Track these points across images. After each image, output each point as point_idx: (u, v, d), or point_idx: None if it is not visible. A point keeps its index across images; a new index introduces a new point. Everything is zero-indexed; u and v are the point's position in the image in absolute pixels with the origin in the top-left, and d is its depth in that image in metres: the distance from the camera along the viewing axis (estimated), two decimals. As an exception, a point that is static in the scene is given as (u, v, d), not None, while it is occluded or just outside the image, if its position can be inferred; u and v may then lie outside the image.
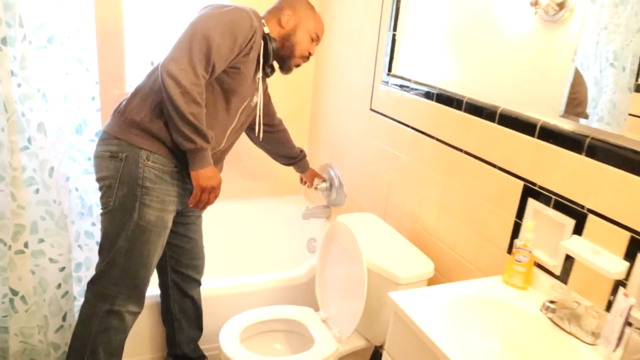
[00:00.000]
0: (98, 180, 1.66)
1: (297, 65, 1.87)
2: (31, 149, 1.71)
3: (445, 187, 1.78)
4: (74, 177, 1.95)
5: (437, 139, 1.80)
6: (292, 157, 2.26)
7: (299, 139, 2.91)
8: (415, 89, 1.91)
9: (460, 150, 1.69)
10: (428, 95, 1.84)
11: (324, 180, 2.54)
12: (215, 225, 2.65)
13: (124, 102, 1.67)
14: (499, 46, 1.53)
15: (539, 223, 1.40)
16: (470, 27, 1.65)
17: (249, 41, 1.61)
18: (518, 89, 1.47)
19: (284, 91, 2.76)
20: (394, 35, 2.04)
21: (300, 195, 3.08)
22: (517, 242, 1.41)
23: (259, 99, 1.83)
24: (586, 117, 1.24)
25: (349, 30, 2.42)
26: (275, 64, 1.87)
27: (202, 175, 1.59)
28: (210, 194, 1.64)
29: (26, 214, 1.70)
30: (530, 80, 1.43)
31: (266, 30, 1.74)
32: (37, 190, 1.76)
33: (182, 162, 1.64)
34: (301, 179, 2.45)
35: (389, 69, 2.08)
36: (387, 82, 2.10)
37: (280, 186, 3.01)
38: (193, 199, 1.64)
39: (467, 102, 1.64)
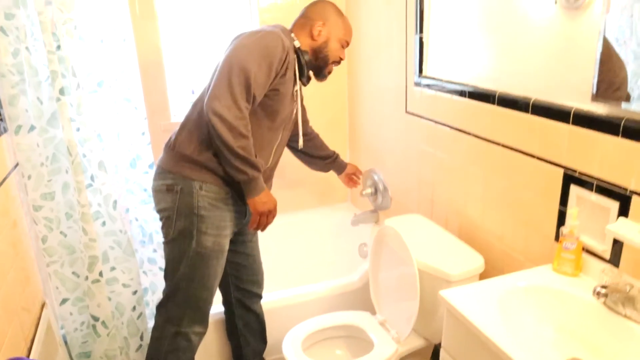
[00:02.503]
0: (158, 212, 1.78)
1: (330, 72, 1.90)
2: (94, 185, 1.86)
3: (487, 181, 1.80)
4: (132, 208, 2.09)
5: (474, 135, 1.82)
6: (329, 157, 2.28)
7: (340, 147, 2.97)
8: (448, 88, 1.94)
9: (498, 144, 1.71)
10: (461, 93, 1.86)
11: (369, 186, 2.59)
12: (269, 239, 2.74)
13: (173, 136, 1.77)
14: (524, 38, 1.55)
15: (583, 209, 1.40)
16: (494, 21, 1.67)
17: (284, 63, 1.65)
18: (548, 78, 1.48)
19: (321, 103, 2.84)
20: (421, 38, 2.07)
21: (348, 202, 3.14)
22: (563, 229, 1.42)
23: (297, 110, 1.89)
24: (627, 98, 1.23)
25: (377, 35, 2.47)
26: (310, 73, 1.90)
27: (257, 201, 1.68)
28: (268, 217, 1.73)
29: (97, 246, 1.85)
30: (559, 68, 1.44)
31: (297, 44, 1.77)
32: (104, 223, 1.92)
33: (233, 187, 1.73)
34: (347, 180, 2.38)
35: (420, 71, 2.12)
36: (419, 84, 2.14)
37: (327, 195, 3.08)
38: (252, 224, 1.72)
39: (499, 96, 1.66)
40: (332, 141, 2.93)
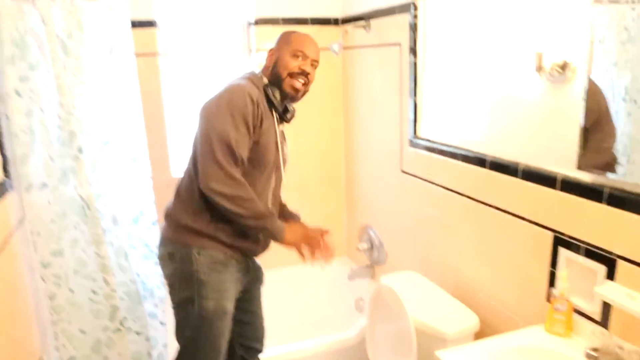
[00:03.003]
0: (165, 278, 1.81)
1: (294, 87, 1.76)
2: (106, 239, 1.93)
3: (480, 241, 1.86)
4: (135, 263, 2.12)
5: (467, 196, 1.90)
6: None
7: (335, 203, 3.05)
8: (441, 150, 2.03)
9: (490, 205, 1.78)
10: (454, 156, 1.95)
11: (365, 241, 2.64)
12: (265, 293, 2.76)
13: (170, 204, 1.79)
14: (513, 106, 1.65)
15: (572, 270, 1.46)
16: (484, 89, 1.78)
17: (257, 114, 1.66)
18: (536, 145, 1.57)
19: (317, 158, 2.93)
20: (415, 101, 2.18)
21: (344, 256, 3.18)
22: (553, 290, 1.47)
23: (284, 149, 1.87)
24: (613, 167, 1.32)
25: (372, 96, 2.58)
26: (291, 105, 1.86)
27: (288, 240, 1.72)
28: (311, 244, 1.76)
29: (117, 295, 1.90)
30: (546, 136, 1.53)
31: (265, 81, 1.77)
32: (114, 275, 1.98)
33: (232, 248, 1.75)
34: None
35: (414, 133, 2.21)
36: (414, 145, 2.23)
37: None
38: (305, 259, 1.77)
39: (490, 161, 1.75)
40: (328, 196, 3.01)
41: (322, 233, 1.82)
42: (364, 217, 2.87)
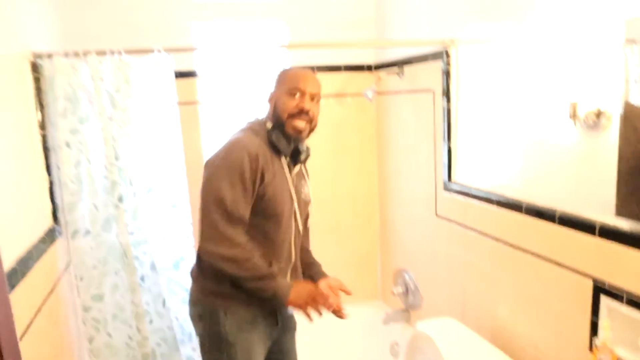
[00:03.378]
0: (197, 336, 1.80)
1: (297, 129, 1.69)
2: (145, 285, 1.97)
3: (517, 287, 1.84)
4: (174, 307, 2.17)
5: (504, 241, 1.89)
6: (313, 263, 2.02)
7: (370, 246, 3.06)
8: (477, 195, 2.04)
9: (527, 251, 1.77)
10: (489, 201, 1.95)
11: (400, 285, 2.63)
12: (300, 338, 2.76)
13: (194, 267, 1.78)
14: (549, 152, 1.65)
15: (615, 320, 1.43)
16: (519, 135, 1.79)
17: (256, 169, 1.59)
18: (573, 191, 1.57)
19: (352, 201, 2.96)
20: (449, 146, 2.21)
21: (379, 300, 3.17)
22: (596, 340, 1.44)
23: (305, 189, 1.82)
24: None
25: (406, 140, 2.62)
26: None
27: (293, 301, 1.64)
28: (315, 304, 1.66)
29: (149, 343, 1.93)
30: (583, 182, 1.53)
31: (268, 125, 1.72)
32: (151, 321, 2.02)
33: (257, 306, 1.72)
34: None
35: (449, 177, 2.23)
36: (448, 189, 2.24)
37: (357, 292, 3.10)
38: (311, 320, 1.68)
39: (526, 207, 1.75)
40: (363, 239, 3.03)
41: (338, 289, 1.78)
42: (399, 260, 2.86)
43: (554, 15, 1.58)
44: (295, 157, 1.75)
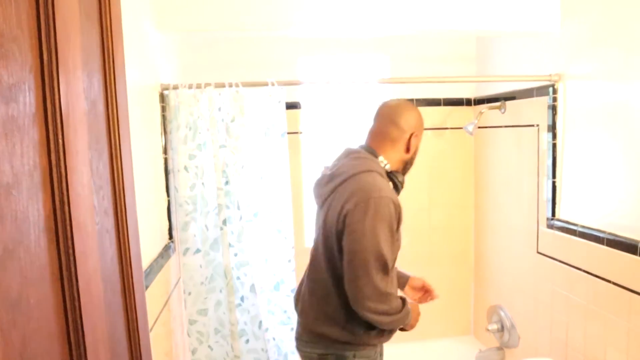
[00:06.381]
0: None
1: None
2: (243, 305, 2.07)
3: (632, 334, 1.75)
4: (272, 328, 2.25)
5: (615, 283, 1.81)
6: None
7: (463, 279, 3.02)
8: (583, 233, 1.97)
9: (642, 295, 1.69)
10: (598, 239, 1.89)
11: (495, 322, 2.56)
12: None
13: (306, 305, 1.70)
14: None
15: None
16: (633, 172, 1.73)
17: (399, 218, 1.56)
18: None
19: (446, 235, 2.94)
20: (554, 182, 2.16)
21: (470, 335, 3.09)
22: None
23: None
24: None
25: (507, 175, 2.58)
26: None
27: (412, 326, 1.70)
28: (417, 318, 1.73)
29: None
30: None
31: (388, 167, 1.65)
32: (247, 341, 2.10)
33: (379, 345, 1.70)
34: (417, 295, 1.95)
35: (553, 214, 2.17)
36: (552, 226, 2.18)
37: (448, 326, 3.06)
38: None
39: (641, 248, 1.68)
40: (456, 272, 3.00)
41: (422, 290, 1.85)
42: (494, 296, 2.79)
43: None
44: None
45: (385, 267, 1.51)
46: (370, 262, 1.48)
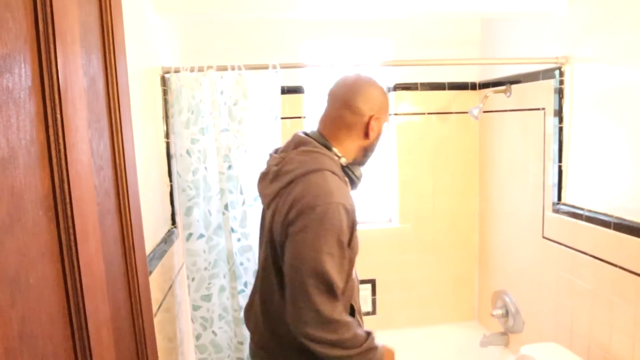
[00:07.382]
0: None
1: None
2: (246, 291, 2.05)
3: (638, 318, 1.74)
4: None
5: (621, 267, 1.80)
6: None
7: (468, 265, 3.00)
8: (589, 217, 1.95)
9: (649, 279, 1.67)
10: (605, 223, 1.87)
11: (500, 307, 2.56)
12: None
13: (260, 326, 1.55)
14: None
15: None
16: (642, 158, 1.71)
17: (352, 227, 1.35)
18: None
19: (451, 219, 2.92)
20: (559, 166, 2.13)
21: (474, 321, 3.09)
22: None
23: None
24: None
25: (512, 160, 2.56)
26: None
27: None
28: None
29: (244, 349, 2.00)
30: None
31: (343, 162, 1.44)
32: (250, 328, 2.08)
33: None
34: None
35: (559, 198, 2.15)
36: (558, 210, 2.16)
37: (453, 312, 3.06)
38: None
39: (649, 232, 1.66)
40: (461, 258, 2.98)
41: None
42: (498, 281, 2.78)
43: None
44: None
45: (329, 288, 1.27)
46: (308, 282, 1.26)
